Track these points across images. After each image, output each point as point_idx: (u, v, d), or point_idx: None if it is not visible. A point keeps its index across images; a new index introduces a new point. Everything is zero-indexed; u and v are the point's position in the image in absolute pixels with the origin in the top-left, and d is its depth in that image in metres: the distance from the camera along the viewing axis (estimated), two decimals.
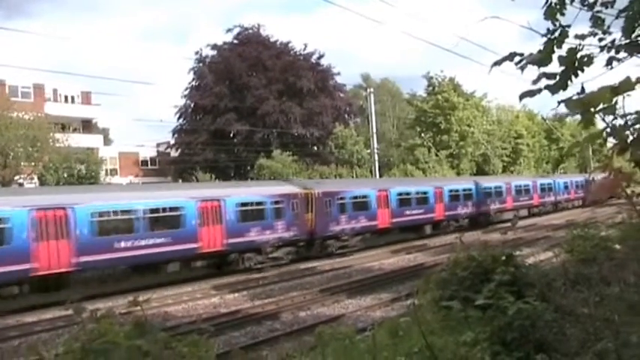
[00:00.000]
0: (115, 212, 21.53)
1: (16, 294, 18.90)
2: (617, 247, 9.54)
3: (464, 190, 39.98)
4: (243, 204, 25.58)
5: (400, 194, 33.96)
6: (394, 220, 32.91)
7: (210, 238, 23.72)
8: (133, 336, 3.03)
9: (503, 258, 6.52)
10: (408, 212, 34.13)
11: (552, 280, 6.83)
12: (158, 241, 22.09)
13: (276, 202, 26.85)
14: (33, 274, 18.86)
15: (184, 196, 23.84)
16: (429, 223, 36.37)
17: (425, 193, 36.02)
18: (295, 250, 27.40)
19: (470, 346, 4.94)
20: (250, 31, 55.32)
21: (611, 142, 2.81)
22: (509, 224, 9.74)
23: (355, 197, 31.05)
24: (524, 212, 46.50)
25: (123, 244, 21.19)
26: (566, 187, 55.79)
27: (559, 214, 50.23)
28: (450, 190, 38.30)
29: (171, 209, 23.00)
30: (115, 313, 3.26)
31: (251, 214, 25.81)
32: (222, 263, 25.00)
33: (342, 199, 30.09)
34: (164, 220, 22.82)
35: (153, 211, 22.36)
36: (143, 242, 21.70)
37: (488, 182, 44.63)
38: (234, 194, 25.78)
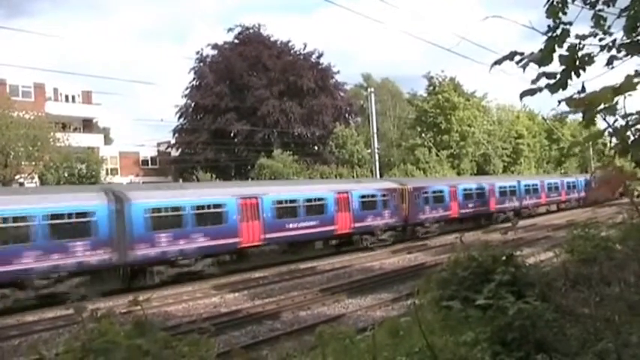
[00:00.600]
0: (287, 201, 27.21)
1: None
2: (618, 247, 9.53)
3: (510, 187, 45.73)
4: (363, 196, 30.91)
5: (465, 190, 40.28)
6: (461, 211, 38.58)
7: (342, 222, 29.44)
8: (133, 335, 3.02)
9: (504, 258, 6.52)
10: (470, 205, 39.96)
11: (553, 280, 6.83)
12: (310, 224, 27.79)
13: (384, 195, 32.48)
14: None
15: (325, 190, 29.84)
16: (485, 215, 42.05)
17: (482, 189, 41.95)
18: (395, 233, 32.51)
19: (470, 346, 4.94)
20: (251, 30, 55.37)
21: (612, 141, 2.81)
22: (509, 224, 9.78)
23: (434, 192, 36.78)
24: (553, 207, 53.20)
25: (291, 225, 26.98)
26: (586, 185, 58.43)
27: (561, 213, 50.39)
28: (500, 187, 44.11)
29: (318, 199, 28.89)
30: (116, 312, 3.26)
31: (368, 204, 31.15)
32: (348, 242, 30.55)
33: (425, 193, 35.91)
34: (312, 208, 28.37)
35: (307, 200, 28.16)
36: (302, 224, 27.43)
37: (527, 180, 50.41)
38: (357, 189, 31.28)
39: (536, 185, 50.64)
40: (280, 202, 27.10)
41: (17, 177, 37.85)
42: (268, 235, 25.95)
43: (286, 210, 27.36)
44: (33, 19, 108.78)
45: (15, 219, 19.18)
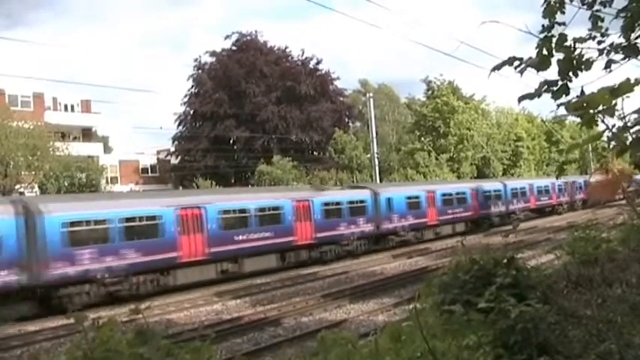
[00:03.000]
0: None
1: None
2: (619, 248, 9.52)
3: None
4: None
5: (514, 188, 45.63)
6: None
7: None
8: (135, 344, 3.02)
9: (505, 261, 6.51)
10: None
11: (554, 282, 6.83)
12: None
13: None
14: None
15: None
16: (525, 210, 47.09)
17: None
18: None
19: (472, 350, 4.93)
20: (248, 37, 55.47)
21: (610, 143, 2.82)
22: (510, 227, 9.78)
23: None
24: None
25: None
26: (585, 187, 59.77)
27: (561, 215, 50.28)
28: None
29: (359, 201, 31.12)
30: (117, 321, 3.26)
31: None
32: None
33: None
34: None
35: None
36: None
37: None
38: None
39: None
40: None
41: (17, 187, 37.85)
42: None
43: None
44: (32, 29, 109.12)
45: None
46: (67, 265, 19.30)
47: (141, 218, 21.91)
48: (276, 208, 26.87)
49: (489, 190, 42.60)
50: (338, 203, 30.26)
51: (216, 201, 24.74)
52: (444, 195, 37.39)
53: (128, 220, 21.38)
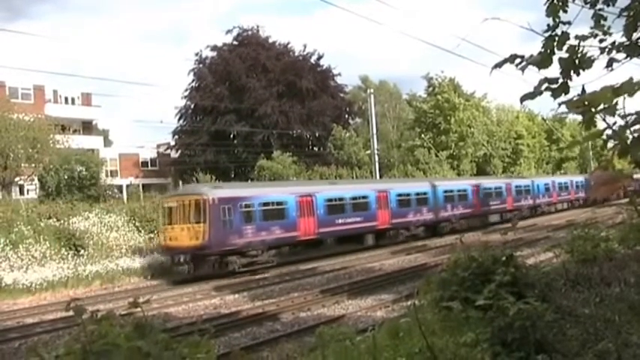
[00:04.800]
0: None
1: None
2: (618, 247, 9.54)
3: (459, 190, 43.87)
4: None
5: (546, 184, 53.04)
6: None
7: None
8: (133, 337, 3.02)
9: (504, 258, 6.51)
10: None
11: (553, 280, 6.84)
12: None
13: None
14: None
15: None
16: (549, 204, 53.16)
17: (425, 194, 40.52)
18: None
19: (470, 347, 4.94)
20: (249, 32, 55.34)
21: (611, 142, 2.81)
22: (509, 224, 9.78)
23: (496, 188, 44.36)
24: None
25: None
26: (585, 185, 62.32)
27: (560, 214, 50.36)
28: (446, 191, 43.34)
29: (423, 193, 36.26)
30: (116, 314, 3.26)
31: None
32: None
33: (488, 189, 43.33)
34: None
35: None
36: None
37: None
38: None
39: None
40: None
41: (17, 179, 37.80)
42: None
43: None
44: (33, 22, 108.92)
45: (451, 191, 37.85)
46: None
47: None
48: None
49: (520, 186, 48.37)
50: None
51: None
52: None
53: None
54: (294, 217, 27.28)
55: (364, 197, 31.72)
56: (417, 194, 35.61)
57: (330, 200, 29.44)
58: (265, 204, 26.45)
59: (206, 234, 23.66)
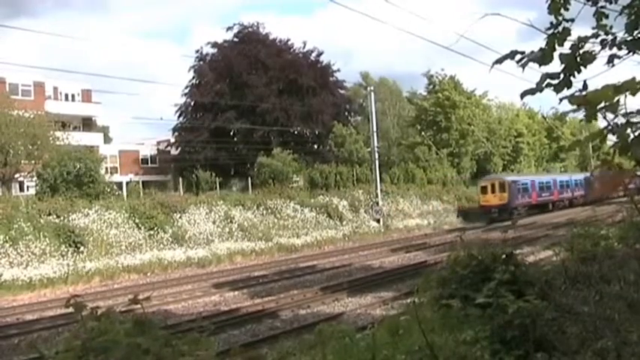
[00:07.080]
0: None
1: None
2: (618, 245, 9.52)
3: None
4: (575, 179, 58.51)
5: (580, 180, 58.95)
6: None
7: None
8: (133, 334, 3.02)
9: (504, 256, 6.51)
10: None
11: (552, 278, 6.83)
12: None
13: (575, 180, 57.75)
14: None
15: (581, 176, 58.34)
16: (582, 197, 60.17)
17: (579, 180, 59.16)
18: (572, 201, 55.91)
19: (470, 345, 4.94)
20: (250, 29, 55.26)
21: (611, 140, 2.81)
22: (509, 222, 9.79)
23: (544, 182, 55.63)
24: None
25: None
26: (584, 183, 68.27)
27: (560, 212, 50.41)
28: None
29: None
30: (116, 311, 3.26)
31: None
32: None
33: (543, 182, 55.32)
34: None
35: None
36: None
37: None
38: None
39: (550, 182, 56.26)
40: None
41: (17, 175, 37.78)
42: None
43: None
44: (34, 19, 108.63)
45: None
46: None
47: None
48: (565, 182, 56.48)
49: (563, 181, 59.18)
50: (567, 181, 57.56)
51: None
52: (540, 182, 54.50)
53: (540, 183, 53.03)
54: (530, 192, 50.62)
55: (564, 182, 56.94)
56: (561, 182, 56.52)
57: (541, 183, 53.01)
58: (524, 183, 50.36)
59: (506, 198, 45.25)
